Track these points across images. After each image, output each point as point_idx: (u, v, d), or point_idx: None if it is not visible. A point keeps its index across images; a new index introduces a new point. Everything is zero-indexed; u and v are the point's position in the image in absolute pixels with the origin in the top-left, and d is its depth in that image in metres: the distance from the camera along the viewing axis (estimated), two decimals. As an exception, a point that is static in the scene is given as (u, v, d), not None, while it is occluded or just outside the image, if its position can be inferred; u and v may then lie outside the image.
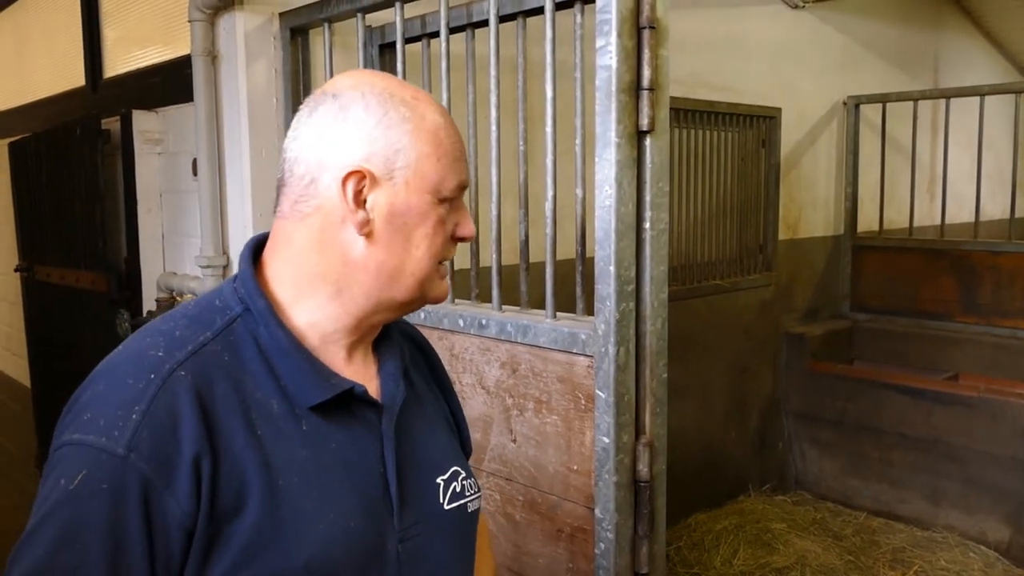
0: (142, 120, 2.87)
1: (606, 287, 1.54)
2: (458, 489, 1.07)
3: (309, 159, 0.96)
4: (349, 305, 0.98)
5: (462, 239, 1.03)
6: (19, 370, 4.32)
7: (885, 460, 4.24)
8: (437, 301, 1.04)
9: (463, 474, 1.09)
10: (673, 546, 3.82)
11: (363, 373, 1.02)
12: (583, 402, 1.64)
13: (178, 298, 2.76)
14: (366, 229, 0.95)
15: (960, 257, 4.56)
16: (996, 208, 5.54)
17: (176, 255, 2.85)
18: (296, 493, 0.90)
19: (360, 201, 0.95)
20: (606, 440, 1.57)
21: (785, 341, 4.58)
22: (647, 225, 1.57)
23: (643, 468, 1.59)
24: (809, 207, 4.77)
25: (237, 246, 2.51)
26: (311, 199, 0.96)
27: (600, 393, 1.57)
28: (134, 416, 0.84)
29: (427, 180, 0.96)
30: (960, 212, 5.12)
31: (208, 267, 2.51)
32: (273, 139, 2.44)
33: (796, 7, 4.49)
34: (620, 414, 1.56)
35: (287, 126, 2.38)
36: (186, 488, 0.84)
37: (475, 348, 1.89)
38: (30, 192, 3.72)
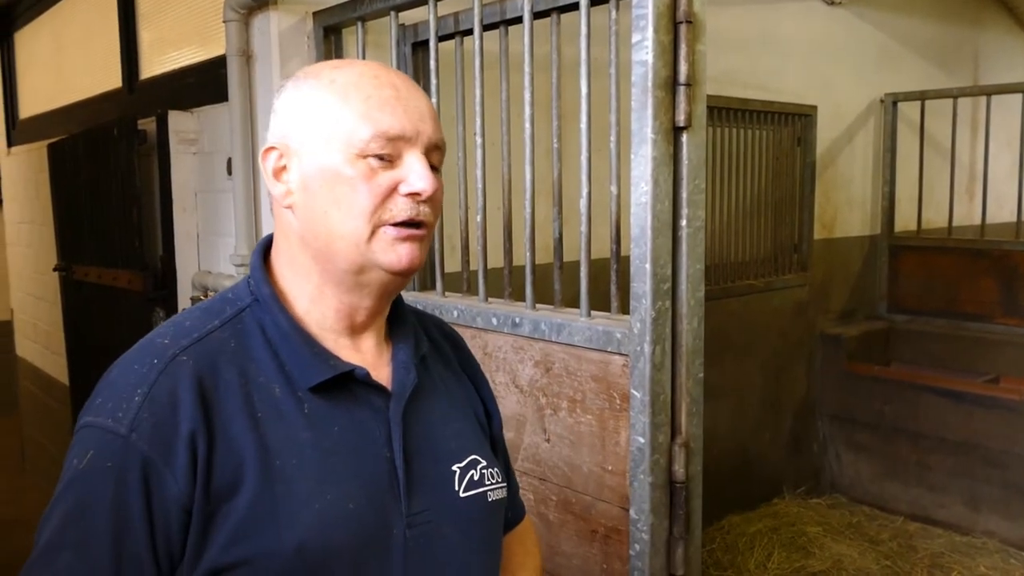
0: (177, 120, 2.90)
1: (642, 285, 1.52)
2: (476, 477, 1.05)
3: None
4: (321, 286, 0.99)
5: (412, 194, 0.95)
6: (58, 368, 4.39)
7: (923, 464, 4.16)
8: (396, 270, 0.96)
9: (483, 463, 1.07)
10: (706, 548, 3.78)
11: (374, 361, 1.02)
12: (618, 401, 1.63)
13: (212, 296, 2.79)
14: (287, 201, 0.97)
15: (1001, 257, 4.47)
16: (1038, 208, 5.43)
17: (211, 254, 2.88)
18: (293, 474, 0.91)
19: (280, 176, 0.98)
20: (641, 440, 1.55)
21: (820, 342, 4.51)
22: (683, 222, 1.55)
23: (679, 469, 1.57)
24: (845, 206, 4.69)
25: (271, 245, 2.52)
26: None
27: (635, 392, 1.56)
28: (136, 398, 0.88)
29: (333, 137, 0.94)
30: (1000, 212, 5.01)
31: (242, 265, 2.52)
32: (307, 138, 2.45)
33: (832, 3, 4.43)
34: (656, 414, 1.54)
35: (320, 125, 2.41)
36: (183, 466, 0.87)
37: (508, 347, 1.88)
38: (68, 193, 3.78)
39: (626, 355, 1.59)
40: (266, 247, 1.05)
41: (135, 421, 0.87)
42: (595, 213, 1.84)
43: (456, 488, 1.03)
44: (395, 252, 0.95)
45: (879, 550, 3.86)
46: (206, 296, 2.79)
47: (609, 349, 1.63)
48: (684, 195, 1.55)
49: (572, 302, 1.85)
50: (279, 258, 1.02)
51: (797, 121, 4.27)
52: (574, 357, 1.72)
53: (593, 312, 1.76)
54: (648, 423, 1.54)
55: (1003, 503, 3.89)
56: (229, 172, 2.58)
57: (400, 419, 0.99)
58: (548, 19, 1.89)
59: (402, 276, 0.99)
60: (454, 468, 1.03)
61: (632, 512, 1.58)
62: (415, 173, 0.95)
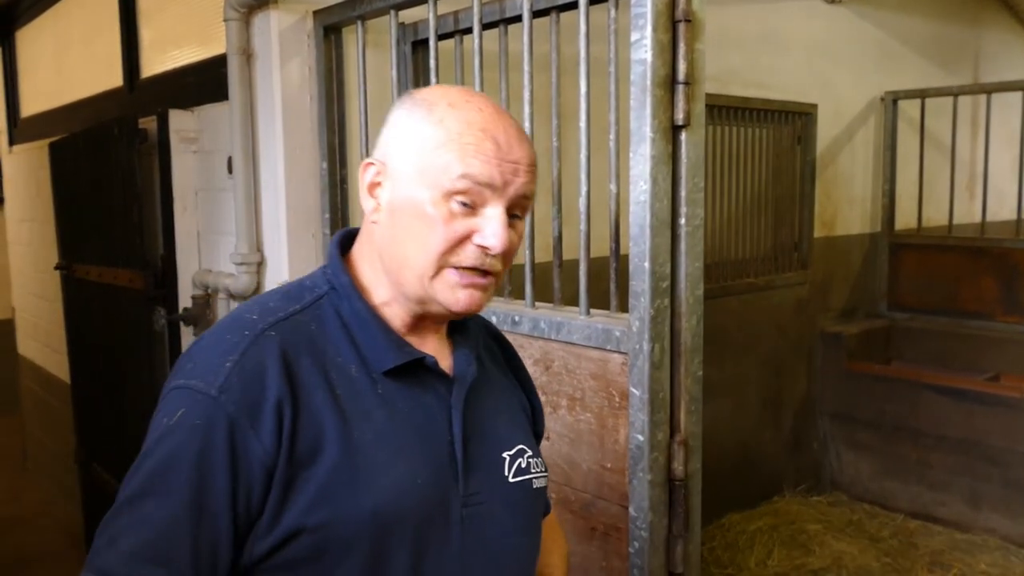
0: (178, 119, 2.90)
1: (641, 283, 1.52)
2: (523, 465, 1.12)
3: None
4: (393, 294, 1.05)
5: (482, 248, 1.00)
6: (59, 367, 4.40)
7: (923, 462, 4.16)
8: (453, 311, 1.03)
9: (529, 452, 1.14)
10: (707, 546, 3.78)
11: (437, 353, 1.09)
12: (617, 399, 1.63)
13: (213, 295, 2.79)
14: (373, 217, 1.04)
15: (1001, 256, 4.47)
16: (1039, 206, 5.42)
17: (211, 253, 2.88)
18: (370, 445, 0.97)
19: (374, 192, 1.05)
20: (640, 438, 1.55)
21: (821, 340, 4.51)
22: (682, 221, 1.55)
23: (678, 467, 1.57)
24: (845, 204, 4.70)
25: (271, 243, 2.53)
26: None
27: (634, 390, 1.56)
28: (228, 364, 0.94)
29: (425, 174, 0.99)
30: (1001, 210, 5.01)
31: (243, 264, 2.53)
32: (307, 137, 2.46)
33: (832, 2, 4.43)
34: (655, 412, 1.54)
35: (321, 123, 2.42)
36: (269, 429, 0.93)
37: (508, 345, 1.88)
38: (69, 191, 3.78)
39: (625, 353, 1.59)
40: (343, 238, 1.12)
41: (225, 384, 0.93)
42: (594, 212, 1.84)
43: (506, 473, 1.10)
44: (454, 295, 1.02)
45: (879, 547, 3.86)
46: (207, 295, 2.79)
47: (608, 347, 1.64)
48: (683, 193, 1.55)
49: (572, 300, 1.85)
50: (361, 254, 1.08)
51: (797, 119, 4.27)
52: (573, 355, 1.72)
53: (592, 310, 1.76)
54: (647, 421, 1.54)
55: (1004, 501, 3.90)
56: (230, 171, 2.58)
57: (461, 405, 1.06)
58: (548, 18, 1.90)
59: (461, 316, 1.06)
60: (504, 455, 1.10)
61: (631, 510, 1.58)
62: (491, 228, 0.99)
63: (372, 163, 1.05)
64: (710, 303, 3.74)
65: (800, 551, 3.79)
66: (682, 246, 1.56)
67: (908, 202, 4.85)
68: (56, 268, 3.98)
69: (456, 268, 1.00)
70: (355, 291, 1.05)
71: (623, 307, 1.68)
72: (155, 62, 3.39)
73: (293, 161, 2.46)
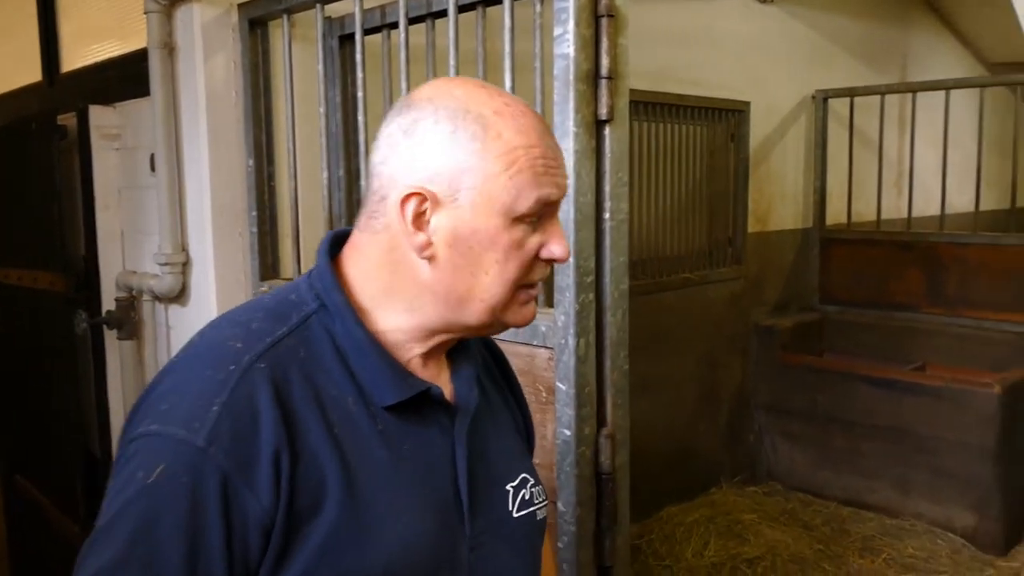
0: (99, 115, 2.81)
1: (565, 278, 1.52)
2: (527, 497, 1.05)
3: (382, 174, 0.93)
4: (423, 320, 0.95)
5: (550, 260, 0.95)
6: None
7: (854, 450, 4.27)
8: (518, 326, 0.98)
9: (531, 481, 1.06)
10: (645, 538, 3.82)
11: (436, 377, 1.00)
12: (544, 395, 1.63)
13: (138, 297, 2.71)
14: (427, 253, 0.92)
15: (927, 249, 4.60)
16: (963, 201, 5.60)
17: (135, 253, 2.80)
18: (373, 492, 0.88)
19: (421, 224, 0.91)
20: (567, 433, 1.55)
21: (755, 334, 4.59)
22: (607, 215, 1.56)
23: (605, 460, 1.58)
24: (778, 200, 4.78)
25: (196, 243, 2.47)
26: (381, 216, 0.94)
27: (561, 385, 1.56)
28: (215, 407, 0.82)
29: (496, 202, 0.90)
30: (927, 206, 5.16)
31: (167, 264, 2.46)
32: (232, 133, 2.40)
33: (765, 2, 4.50)
34: (581, 406, 1.54)
35: (246, 119, 2.37)
36: (266, 485, 0.82)
37: (437, 342, 1.87)
38: (-13, 190, 3.64)
39: (551, 348, 1.59)
40: (331, 244, 1.00)
41: (214, 432, 0.81)
42: (522, 207, 1.83)
43: (510, 508, 1.02)
44: (522, 312, 0.96)
45: (813, 535, 3.95)
46: (131, 296, 2.71)
47: (534, 343, 1.63)
48: (607, 188, 1.55)
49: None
50: (369, 280, 0.96)
51: (731, 117, 4.33)
52: (501, 351, 1.72)
53: (520, 306, 1.75)
54: (574, 415, 1.54)
55: (930, 487, 4.02)
56: (153, 168, 2.51)
57: (465, 438, 0.98)
58: (474, 12, 1.88)
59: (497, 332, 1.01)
60: (508, 488, 1.03)
61: (559, 504, 1.58)
62: (557, 240, 0.94)
63: (417, 192, 0.90)
64: (646, 299, 3.81)
65: (736, 541, 3.85)
66: (607, 241, 1.56)
67: (838, 198, 4.97)
68: (-26, 270, 3.82)
69: (525, 287, 0.95)
70: (351, 312, 0.93)
71: (550, 302, 1.68)
72: (75, 56, 3.28)
73: (218, 158, 2.40)
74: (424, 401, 0.95)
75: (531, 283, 0.95)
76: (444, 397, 0.97)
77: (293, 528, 0.84)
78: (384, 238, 0.94)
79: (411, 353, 0.97)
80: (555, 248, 0.94)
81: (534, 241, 0.93)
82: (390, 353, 0.95)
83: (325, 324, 0.93)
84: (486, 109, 0.91)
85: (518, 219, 0.91)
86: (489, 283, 0.92)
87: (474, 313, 0.94)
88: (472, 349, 1.05)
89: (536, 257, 0.94)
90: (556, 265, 1.52)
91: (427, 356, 0.98)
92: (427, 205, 0.90)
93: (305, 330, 0.92)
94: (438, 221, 0.91)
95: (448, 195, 0.90)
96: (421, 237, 0.91)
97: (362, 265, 0.96)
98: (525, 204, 0.90)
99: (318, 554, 0.84)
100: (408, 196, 0.90)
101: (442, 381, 1.00)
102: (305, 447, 0.85)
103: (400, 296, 0.95)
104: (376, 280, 0.95)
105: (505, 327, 0.97)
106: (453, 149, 0.90)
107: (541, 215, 0.93)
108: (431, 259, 0.92)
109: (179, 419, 0.83)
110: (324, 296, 0.94)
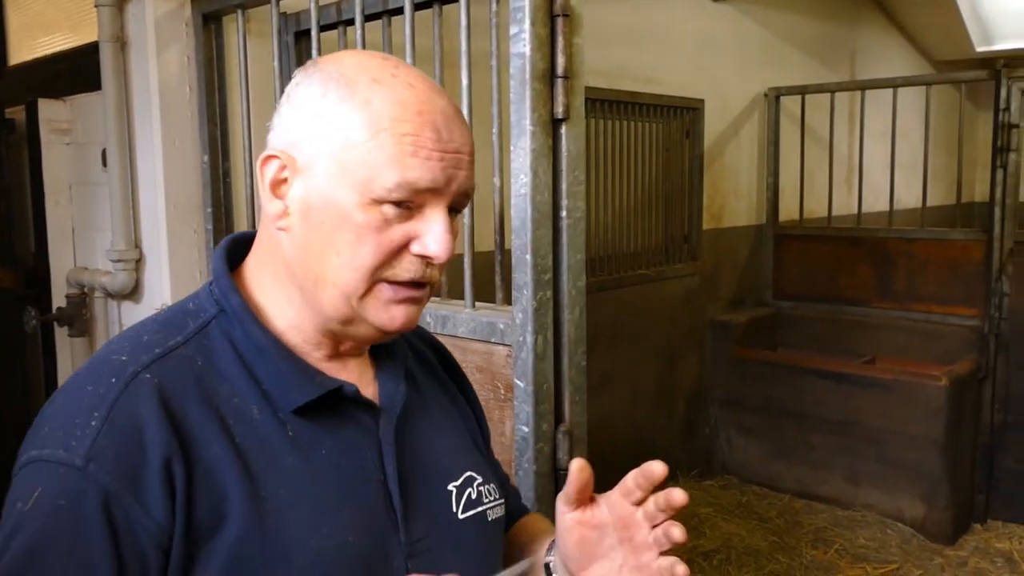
0: (49, 109, 2.76)
1: (523, 276, 1.54)
2: (473, 496, 0.97)
3: (267, 143, 0.87)
4: (303, 315, 0.88)
5: (422, 257, 0.84)
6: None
7: (807, 443, 4.35)
8: (386, 331, 0.87)
9: (479, 479, 0.99)
10: (603, 533, 3.85)
11: (359, 376, 0.93)
12: (502, 392, 1.64)
13: (89, 294, 2.67)
14: (282, 223, 0.85)
15: (876, 245, 4.71)
16: (911, 197, 5.74)
17: (87, 249, 2.75)
18: (283, 505, 0.81)
19: (280, 192, 0.85)
20: (525, 429, 1.56)
21: (711, 329, 4.66)
22: (563, 213, 1.57)
23: (563, 456, 1.59)
24: (732, 197, 4.86)
25: (150, 239, 2.43)
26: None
27: (519, 382, 1.57)
28: (93, 423, 0.76)
29: (349, 174, 0.81)
30: (877, 202, 5.28)
31: (120, 261, 2.42)
32: (186, 129, 2.37)
33: (718, 0, 4.56)
34: (539, 403, 1.56)
35: (201, 115, 2.34)
36: (158, 500, 0.76)
37: (395, 340, 1.87)
38: (-69, 185, 3.54)
39: (509, 345, 1.60)
40: (230, 247, 0.93)
41: (93, 449, 0.75)
42: (482, 205, 1.84)
43: (454, 510, 0.95)
44: (388, 313, 0.85)
45: (767, 527, 4.02)
46: (82, 294, 2.67)
47: (493, 340, 1.64)
48: (564, 186, 1.56)
49: (460, 294, 1.85)
50: (260, 268, 0.90)
51: (685, 114, 4.38)
52: (459, 349, 1.72)
53: (478, 303, 1.76)
54: (532, 412, 1.55)
55: (880, 477, 4.12)
56: (104, 164, 2.47)
57: (392, 438, 0.90)
58: (431, 10, 1.89)
59: (393, 336, 0.90)
60: (450, 488, 0.95)
61: (518, 500, 1.60)
62: (433, 235, 0.83)
63: (274, 156, 0.84)
64: (603, 295, 3.84)
65: (692, 534, 3.91)
66: (564, 238, 1.57)
67: (791, 195, 5.05)
68: (-82, 268, 3.72)
69: (390, 283, 0.84)
70: (249, 313, 0.87)
71: (508, 300, 1.69)
72: (24, 48, 3.21)
73: (172, 154, 2.37)
74: (341, 401, 0.88)
75: (397, 279, 0.84)
76: (361, 395, 0.89)
77: (194, 544, 0.77)
78: (262, 219, 0.89)
79: (320, 352, 0.90)
80: (429, 242, 0.83)
81: (402, 230, 0.83)
82: (296, 352, 0.88)
83: (225, 330, 0.87)
84: (365, 76, 0.83)
85: (378, 200, 0.81)
86: (339, 266, 0.83)
87: (330, 300, 0.85)
88: (396, 346, 0.98)
89: (405, 250, 0.84)
90: (514, 262, 1.54)
91: (341, 357, 0.92)
92: (287, 172, 0.84)
93: (203, 338, 0.86)
94: (296, 190, 0.84)
95: (307, 162, 0.83)
96: (277, 204, 0.85)
97: (256, 252, 0.91)
98: (383, 184, 0.80)
99: (224, 574, 0.78)
100: (267, 159, 0.85)
101: (365, 381, 0.93)
102: (201, 460, 0.79)
103: (282, 280, 0.88)
104: (266, 265, 0.89)
105: (376, 330, 0.87)
106: (319, 113, 0.83)
107: (416, 203, 0.83)
108: (287, 231, 0.85)
109: (57, 440, 0.77)
110: (222, 300, 0.88)
